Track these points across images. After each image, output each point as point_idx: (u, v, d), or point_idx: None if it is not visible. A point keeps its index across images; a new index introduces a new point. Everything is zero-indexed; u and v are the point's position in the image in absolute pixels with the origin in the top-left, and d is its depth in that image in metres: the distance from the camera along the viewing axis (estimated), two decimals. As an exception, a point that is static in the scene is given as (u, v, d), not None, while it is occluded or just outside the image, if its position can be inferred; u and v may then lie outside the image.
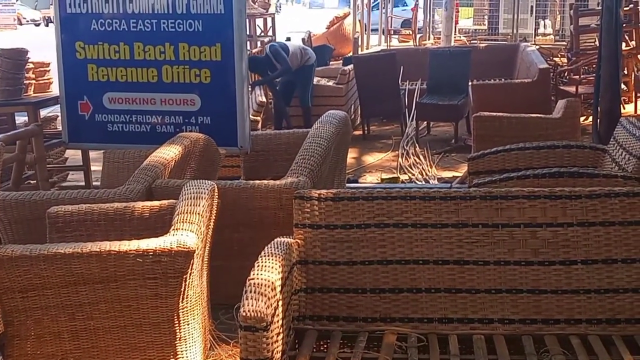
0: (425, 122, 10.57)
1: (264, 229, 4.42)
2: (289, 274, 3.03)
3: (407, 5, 30.70)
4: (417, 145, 9.63)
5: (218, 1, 5.60)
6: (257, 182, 4.48)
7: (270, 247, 3.03)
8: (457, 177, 8.10)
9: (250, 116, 8.14)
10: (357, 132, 10.88)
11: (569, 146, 4.70)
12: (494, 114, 7.42)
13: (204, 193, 3.57)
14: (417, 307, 3.14)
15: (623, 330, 3.01)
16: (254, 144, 6.02)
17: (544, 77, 9.54)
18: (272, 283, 2.74)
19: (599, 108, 8.99)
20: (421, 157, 9.12)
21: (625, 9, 10.93)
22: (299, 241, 3.21)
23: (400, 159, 9.07)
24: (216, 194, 3.79)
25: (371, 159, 9.38)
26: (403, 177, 8.29)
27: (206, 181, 3.78)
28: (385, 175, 8.14)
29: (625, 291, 3.04)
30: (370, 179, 8.32)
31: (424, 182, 7.91)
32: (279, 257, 2.93)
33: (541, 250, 3.10)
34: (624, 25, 10.02)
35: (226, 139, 5.73)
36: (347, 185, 6.73)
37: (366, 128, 10.65)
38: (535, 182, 4.05)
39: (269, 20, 13.73)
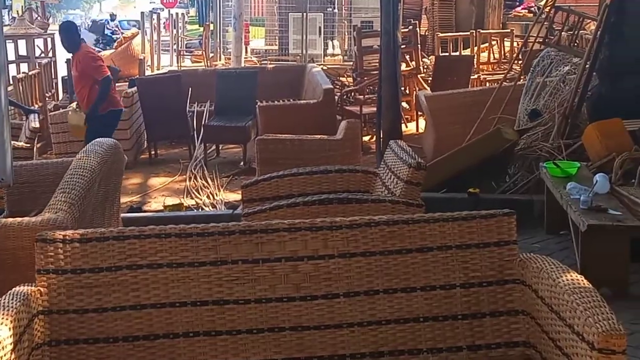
0: (214, 145, 10.38)
1: (19, 271, 4.03)
2: (27, 328, 2.71)
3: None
4: (205, 168, 9.43)
5: (-30, 22, 5.14)
6: (10, 220, 4.08)
7: (4, 299, 2.70)
8: (245, 200, 7.97)
9: (23, 144, 7.63)
10: (144, 156, 10.53)
11: (341, 170, 4.66)
12: (277, 136, 7.38)
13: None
14: (175, 353, 2.91)
15: (387, 363, 2.94)
16: (18, 175, 5.56)
17: (329, 98, 9.65)
18: (0, 342, 2.42)
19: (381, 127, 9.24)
20: (209, 180, 8.92)
21: (404, 30, 11.33)
22: (41, 289, 2.89)
23: (187, 183, 8.82)
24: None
25: (158, 184, 9.07)
26: (189, 202, 8.05)
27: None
28: (169, 201, 7.86)
29: (387, 322, 2.96)
30: (155, 206, 8.01)
31: (210, 208, 7.71)
32: (12, 310, 2.61)
33: (303, 284, 2.97)
34: (403, 46, 10.38)
35: (-15, 170, 5.26)
36: (126, 215, 6.40)
37: (153, 152, 10.32)
38: (305, 209, 3.96)
39: (49, 40, 13.06)
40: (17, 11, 13.06)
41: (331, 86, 10.04)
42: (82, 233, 2.99)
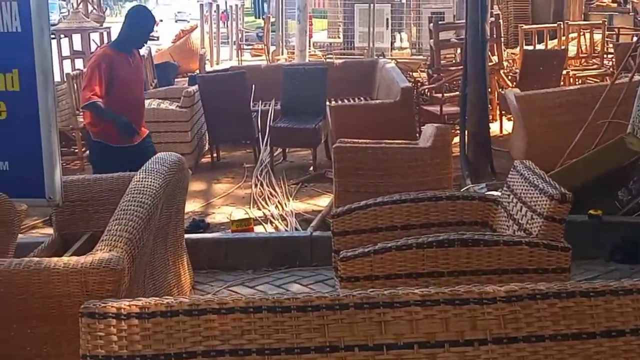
0: (281, 148, 9.58)
1: (65, 322, 3.31)
2: None
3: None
4: (272, 174, 8.65)
5: (12, 16, 4.41)
6: (55, 260, 3.34)
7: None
8: (318, 211, 7.19)
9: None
10: (205, 160, 9.81)
11: (453, 197, 3.82)
12: (356, 143, 6.56)
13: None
14: None
15: None
16: (69, 192, 4.86)
17: (407, 97, 8.78)
18: None
19: (466, 130, 8.37)
20: (277, 187, 8.15)
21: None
22: (88, 384, 2.12)
23: (253, 191, 8.06)
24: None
25: (221, 191, 8.32)
26: (256, 213, 7.29)
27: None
28: (236, 214, 7.10)
29: None
30: (219, 218, 7.27)
31: (280, 221, 6.91)
32: None
33: (445, 381, 2.15)
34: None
35: (30, 188, 4.55)
36: (191, 237, 5.62)
37: (215, 155, 9.58)
38: (419, 253, 3.13)
39: (106, 35, 12.42)
40: (73, 3, 12.52)
41: (409, 84, 9.16)
42: (143, 305, 2.20)
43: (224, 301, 2.21)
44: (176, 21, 53.62)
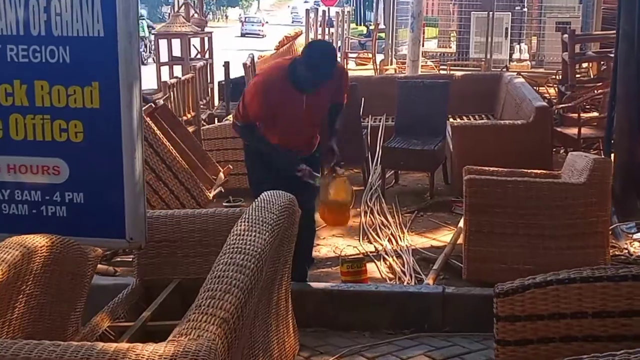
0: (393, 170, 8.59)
1: None
2: None
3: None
4: (383, 199, 7.68)
5: (95, 18, 3.62)
6: (124, 348, 2.44)
7: None
8: (438, 247, 6.20)
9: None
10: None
11: (668, 276, 2.76)
12: (492, 174, 5.58)
13: None
14: None
15: None
16: (154, 231, 4.05)
17: (542, 118, 7.67)
18: None
19: (612, 158, 7.24)
20: (389, 216, 7.18)
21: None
22: None
23: (362, 220, 7.11)
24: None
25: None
26: (367, 247, 6.34)
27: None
28: (347, 250, 6.17)
29: None
30: (324, 251, 6.35)
31: (394, 259, 5.92)
32: None
33: None
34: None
35: (108, 226, 3.77)
36: (297, 288, 4.69)
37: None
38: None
39: (207, 40, 11.69)
40: (174, 6, 11.96)
41: (545, 103, 8.02)
42: None
43: None
44: (292, 22, 55.28)
